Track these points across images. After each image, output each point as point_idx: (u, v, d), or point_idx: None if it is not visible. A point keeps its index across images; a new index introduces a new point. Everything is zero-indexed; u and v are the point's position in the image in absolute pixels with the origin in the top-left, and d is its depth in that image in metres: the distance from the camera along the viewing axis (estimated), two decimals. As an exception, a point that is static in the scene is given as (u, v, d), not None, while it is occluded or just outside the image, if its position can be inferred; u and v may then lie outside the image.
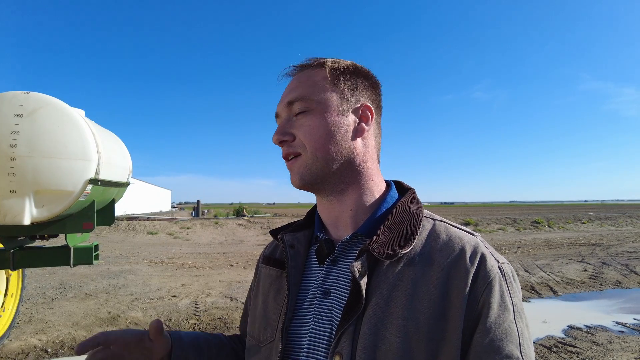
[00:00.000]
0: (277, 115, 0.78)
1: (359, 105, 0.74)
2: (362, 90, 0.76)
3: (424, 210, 0.74)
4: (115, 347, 0.74)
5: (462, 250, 0.65)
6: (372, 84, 0.78)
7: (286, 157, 0.75)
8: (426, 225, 0.71)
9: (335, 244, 0.74)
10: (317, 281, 0.72)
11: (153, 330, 0.75)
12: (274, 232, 0.84)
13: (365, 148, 0.74)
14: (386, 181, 0.80)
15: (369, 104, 0.75)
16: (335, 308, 0.68)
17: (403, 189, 0.81)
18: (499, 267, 0.65)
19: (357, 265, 0.64)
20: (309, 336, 0.68)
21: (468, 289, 0.61)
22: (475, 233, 0.71)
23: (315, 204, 0.82)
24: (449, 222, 0.73)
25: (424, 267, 0.64)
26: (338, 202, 0.74)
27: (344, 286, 0.69)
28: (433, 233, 0.69)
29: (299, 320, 0.71)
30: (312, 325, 0.69)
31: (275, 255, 0.84)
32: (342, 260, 0.72)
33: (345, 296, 0.67)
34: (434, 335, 0.60)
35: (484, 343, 0.59)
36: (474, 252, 0.65)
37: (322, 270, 0.73)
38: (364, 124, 0.74)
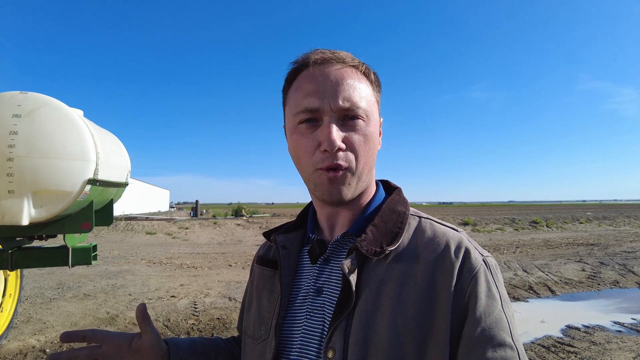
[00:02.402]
0: (313, 110, 0.67)
1: (381, 120, 0.75)
2: (380, 102, 0.76)
3: (410, 208, 0.76)
4: (106, 348, 0.76)
5: (447, 245, 0.67)
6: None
7: (334, 168, 0.66)
8: (412, 223, 0.73)
9: (327, 244, 0.75)
10: (310, 280, 0.74)
11: (139, 313, 0.77)
12: (267, 234, 0.85)
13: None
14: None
15: (381, 119, 0.76)
16: (327, 305, 0.69)
17: (390, 188, 0.83)
18: (483, 260, 0.67)
19: (346, 263, 0.66)
20: (302, 333, 0.70)
21: (454, 282, 0.63)
22: (459, 229, 0.73)
23: (307, 205, 0.84)
24: (434, 219, 0.75)
25: (411, 263, 0.66)
26: (344, 209, 0.76)
27: (336, 284, 0.70)
28: (419, 230, 0.71)
29: (292, 318, 0.73)
30: (304, 323, 0.70)
31: (268, 255, 0.85)
32: (333, 260, 0.74)
33: (336, 294, 0.69)
34: (422, 328, 0.61)
35: (475, 333, 0.60)
36: (458, 246, 0.67)
37: (315, 269, 0.75)
38: (380, 139, 0.75)
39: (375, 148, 0.72)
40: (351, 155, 0.67)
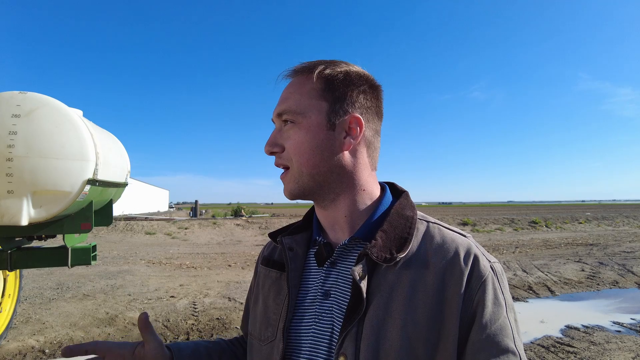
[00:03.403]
0: (273, 120, 0.78)
1: (346, 117, 0.72)
2: (354, 99, 0.73)
3: (418, 212, 0.76)
4: (109, 359, 0.76)
5: (456, 252, 0.68)
6: (366, 90, 0.75)
7: (277, 166, 0.76)
8: (420, 228, 0.73)
9: (333, 247, 0.75)
10: (317, 283, 0.74)
11: (142, 322, 0.77)
12: (272, 235, 0.85)
13: (355, 160, 0.74)
14: (380, 184, 0.81)
15: (357, 115, 0.72)
16: (335, 309, 0.70)
17: (397, 192, 0.82)
18: (491, 267, 0.68)
19: (357, 269, 0.66)
20: (312, 336, 0.70)
21: (463, 288, 0.64)
22: (467, 234, 0.73)
23: (313, 206, 0.83)
24: (441, 223, 0.75)
25: (421, 269, 0.67)
26: (332, 208, 0.76)
27: (344, 288, 0.71)
28: (428, 235, 0.72)
29: (300, 320, 0.73)
30: (314, 326, 0.70)
31: (274, 256, 0.85)
32: (340, 263, 0.74)
33: (345, 298, 0.69)
34: (432, 334, 0.62)
35: (481, 339, 0.62)
36: (467, 253, 0.68)
37: (322, 272, 0.75)
38: (350, 138, 0.72)
39: (316, 149, 0.71)
40: (288, 156, 0.73)
